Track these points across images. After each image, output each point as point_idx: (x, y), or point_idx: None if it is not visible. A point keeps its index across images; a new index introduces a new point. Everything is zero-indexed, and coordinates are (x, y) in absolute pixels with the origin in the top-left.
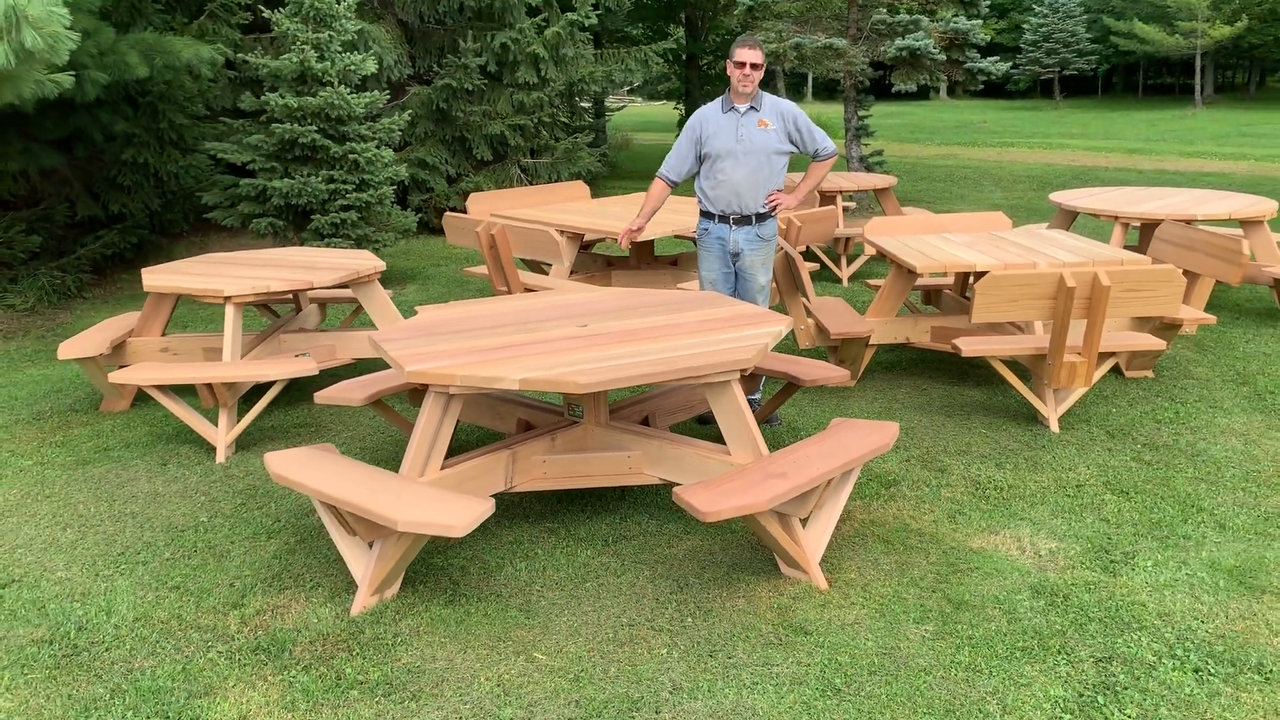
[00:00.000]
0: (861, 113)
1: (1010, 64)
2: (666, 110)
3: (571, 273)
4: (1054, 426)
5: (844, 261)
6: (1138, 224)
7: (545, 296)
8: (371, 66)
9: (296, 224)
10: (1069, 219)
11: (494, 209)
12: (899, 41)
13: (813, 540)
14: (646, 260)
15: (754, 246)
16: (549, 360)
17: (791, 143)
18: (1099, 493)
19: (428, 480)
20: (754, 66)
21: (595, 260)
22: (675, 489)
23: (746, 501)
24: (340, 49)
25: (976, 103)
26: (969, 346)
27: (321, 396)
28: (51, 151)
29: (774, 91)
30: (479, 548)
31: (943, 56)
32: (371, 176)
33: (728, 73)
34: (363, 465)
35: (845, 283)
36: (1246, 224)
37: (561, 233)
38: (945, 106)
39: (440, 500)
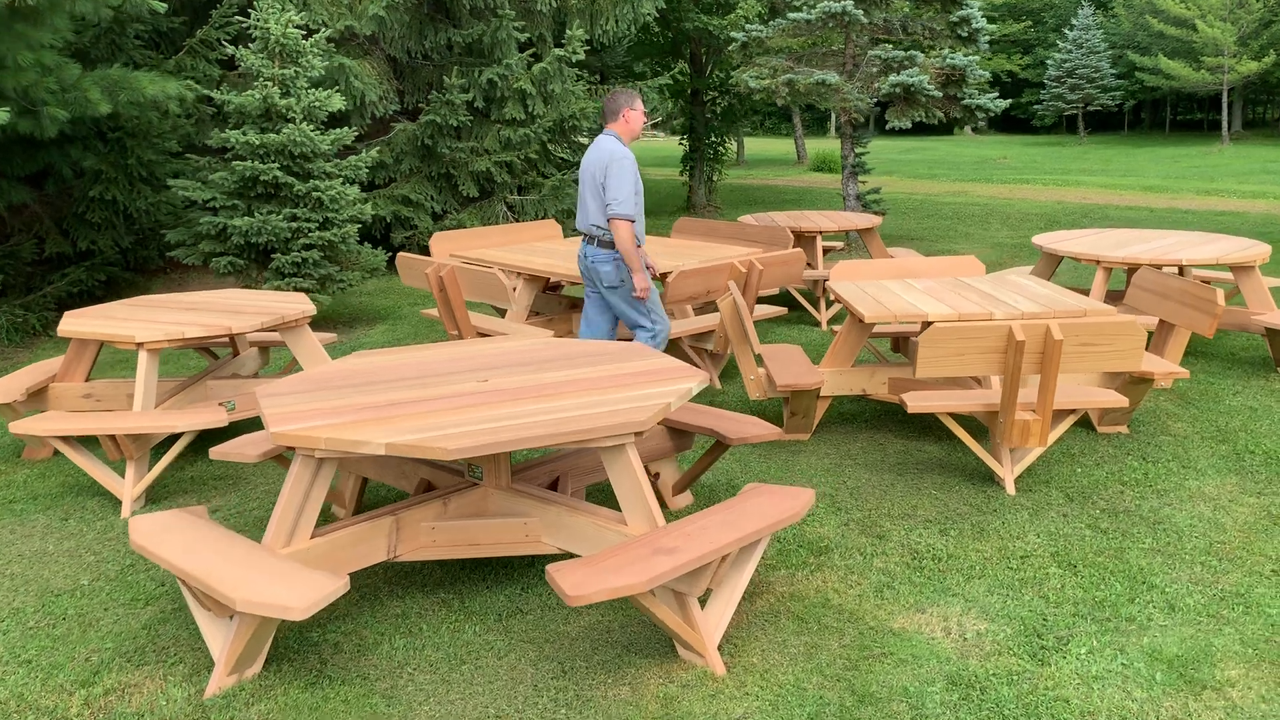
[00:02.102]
0: (858, 149)
1: (1035, 100)
2: (670, 145)
3: (536, 314)
4: (1010, 488)
5: (823, 304)
6: (1125, 268)
7: (453, 348)
8: (338, 103)
9: (259, 263)
10: (1053, 263)
11: (457, 249)
12: (892, 78)
13: (712, 620)
14: None
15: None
16: (426, 421)
17: None
18: (1044, 565)
19: (292, 551)
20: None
21: (560, 302)
22: (548, 566)
23: (623, 583)
24: (307, 85)
25: (1001, 138)
26: (916, 402)
27: (216, 452)
28: (20, 187)
29: (792, 127)
30: (361, 620)
31: (938, 92)
32: (335, 215)
33: (631, 120)
34: (227, 534)
35: (825, 326)
36: (1237, 269)
37: (519, 275)
38: (968, 142)
39: (287, 577)
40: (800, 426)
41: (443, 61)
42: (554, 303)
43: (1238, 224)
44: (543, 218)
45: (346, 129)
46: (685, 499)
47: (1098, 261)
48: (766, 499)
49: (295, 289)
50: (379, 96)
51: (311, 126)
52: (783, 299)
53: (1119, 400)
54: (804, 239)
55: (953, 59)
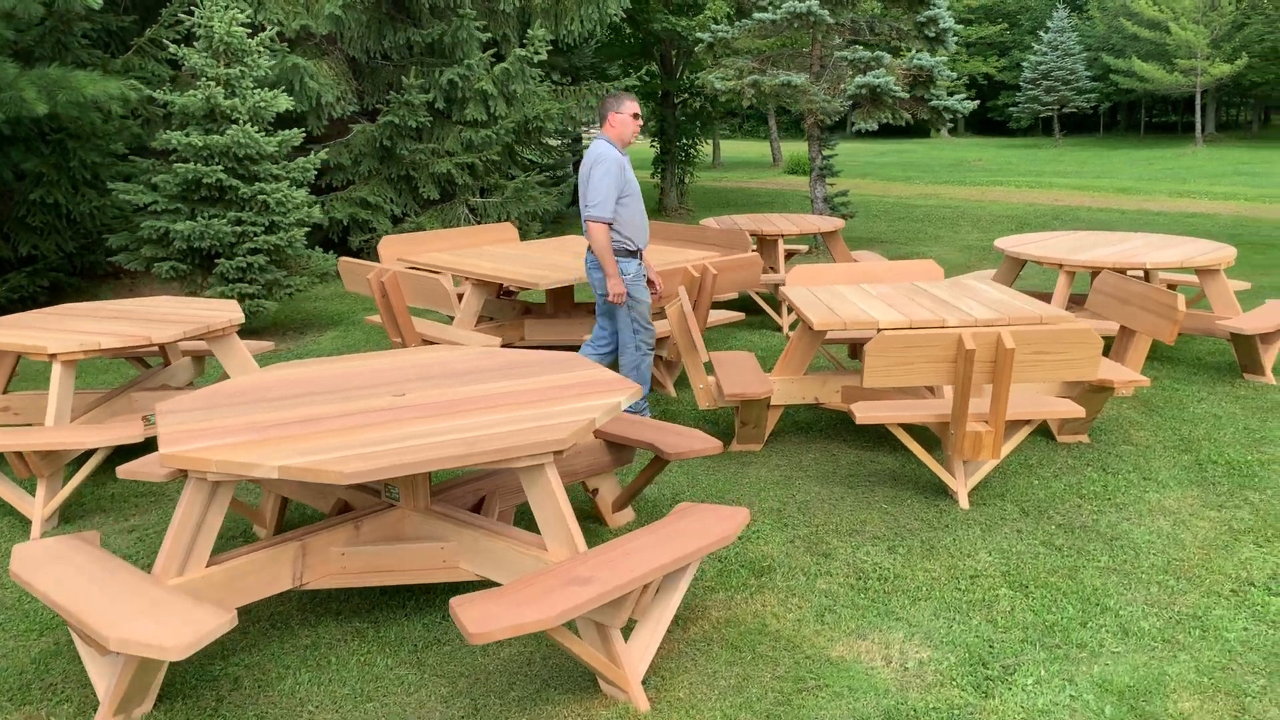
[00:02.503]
0: (826, 151)
1: (1011, 102)
2: (642, 147)
3: (491, 319)
4: (963, 502)
5: (784, 309)
6: (1090, 272)
7: (377, 359)
8: (285, 104)
9: (203, 268)
10: (1016, 267)
11: (407, 252)
12: (858, 79)
13: (635, 653)
14: (565, 308)
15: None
16: (328, 441)
17: None
18: (994, 586)
19: (184, 582)
20: (640, 117)
21: (514, 307)
22: (451, 600)
23: (531, 618)
24: (253, 85)
25: (977, 140)
26: (865, 413)
27: (124, 471)
28: None
29: (766, 130)
30: (267, 651)
31: (905, 94)
32: (282, 218)
33: (618, 123)
34: (115, 563)
35: (786, 331)
36: (1202, 273)
37: (467, 280)
38: (944, 145)
39: (167, 613)
40: (752, 437)
41: (403, 61)
42: (507, 308)
43: (1208, 226)
44: (506, 220)
45: (294, 131)
46: (626, 515)
47: (1060, 265)
48: (698, 520)
49: (241, 295)
50: (336, 97)
51: (257, 128)
52: (744, 304)
53: (1075, 410)
54: (766, 242)
55: (920, 60)
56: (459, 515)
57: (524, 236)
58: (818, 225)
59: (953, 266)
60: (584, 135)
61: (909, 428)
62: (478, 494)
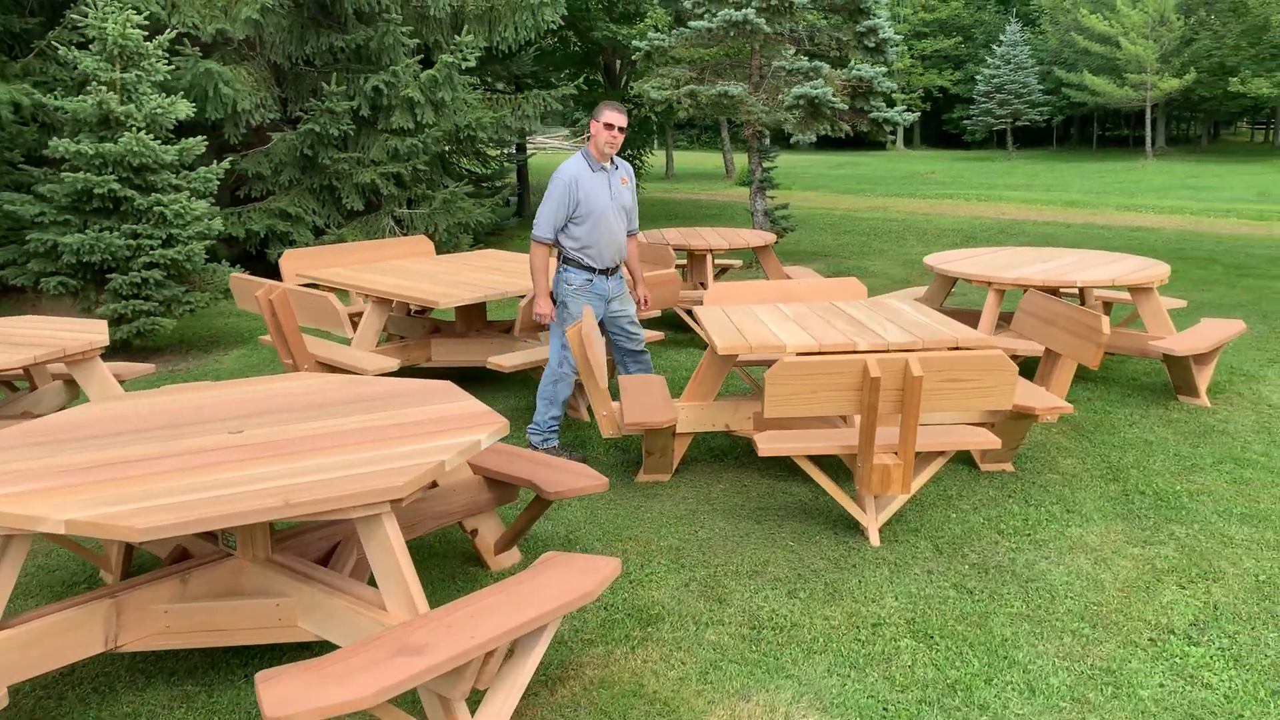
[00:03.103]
0: (766, 164)
1: (965, 115)
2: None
3: (402, 338)
4: (874, 539)
5: None
6: (1024, 290)
7: (218, 390)
8: (185, 110)
9: (96, 283)
10: (947, 284)
11: (309, 267)
12: (795, 89)
13: None
14: (476, 326)
15: (622, 288)
16: (131, 489)
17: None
18: (897, 635)
19: None
20: (621, 130)
21: (425, 325)
22: (256, 676)
23: (345, 697)
24: (150, 90)
25: (932, 153)
26: (767, 444)
27: None
28: None
29: (721, 141)
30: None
31: (844, 105)
32: (180, 231)
33: (594, 133)
34: None
35: None
36: (1135, 291)
37: (367, 298)
38: (899, 157)
39: None
40: (659, 466)
41: (328, 68)
42: (418, 327)
43: (1152, 240)
44: (434, 232)
45: (196, 139)
46: (511, 557)
47: (989, 283)
48: (559, 574)
49: (135, 312)
50: (255, 104)
51: (152, 136)
52: (670, 321)
53: (990, 441)
54: (695, 258)
55: (859, 70)
56: (301, 567)
57: (455, 249)
58: (749, 240)
59: (894, 281)
60: (528, 146)
61: (820, 458)
62: (330, 540)
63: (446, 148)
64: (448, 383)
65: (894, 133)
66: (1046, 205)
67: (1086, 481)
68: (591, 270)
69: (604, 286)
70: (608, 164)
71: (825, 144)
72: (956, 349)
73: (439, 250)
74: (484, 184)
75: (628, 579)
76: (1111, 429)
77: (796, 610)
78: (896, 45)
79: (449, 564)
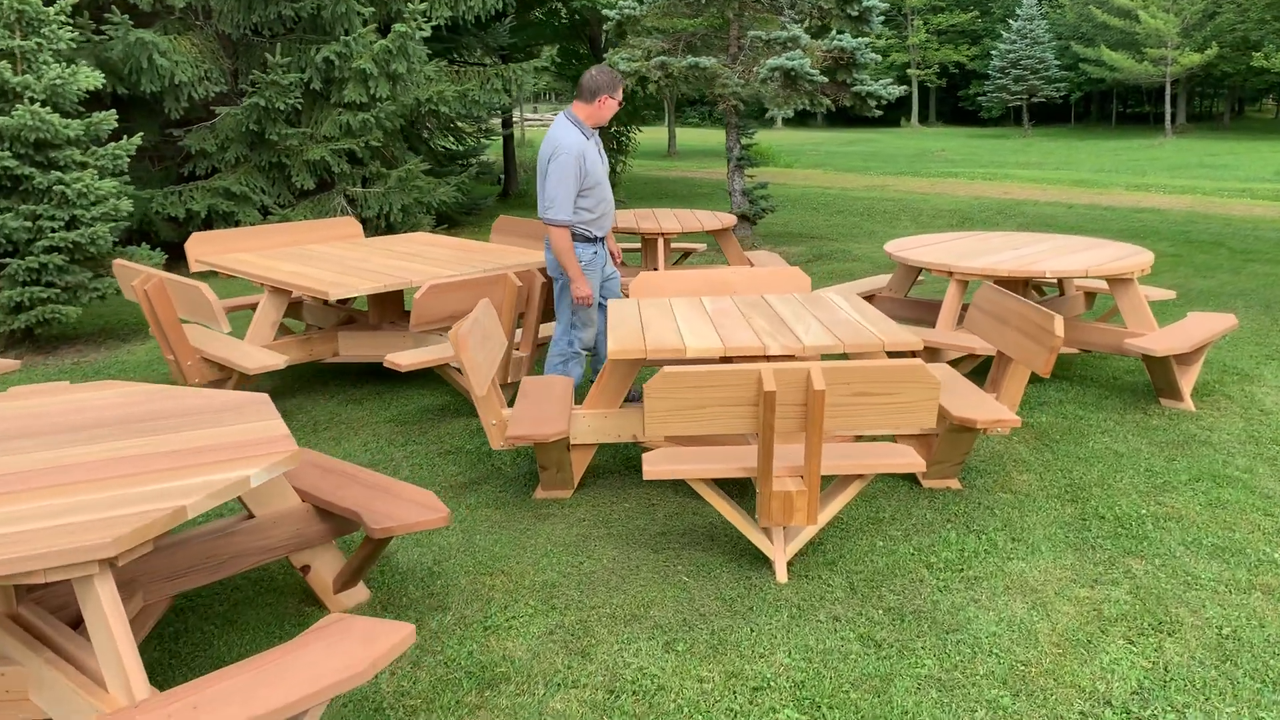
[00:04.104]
0: (744, 140)
1: (980, 92)
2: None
3: (319, 328)
4: (780, 574)
5: None
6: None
7: None
8: (93, 81)
9: None
10: (912, 274)
11: (215, 253)
12: (769, 61)
13: None
14: (391, 317)
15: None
16: None
17: None
18: (778, 705)
19: None
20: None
21: (336, 315)
22: None
23: None
24: (50, 59)
25: (947, 130)
26: (654, 465)
27: None
28: None
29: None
30: None
31: (823, 78)
32: (84, 212)
33: (601, 106)
34: None
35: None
36: (1113, 281)
37: (263, 286)
38: (913, 134)
39: None
40: (558, 482)
41: (278, 38)
42: (331, 317)
43: (1157, 222)
44: (388, 212)
45: (105, 113)
46: (358, 595)
47: (949, 273)
48: (330, 645)
49: (35, 299)
50: (197, 77)
51: (49, 109)
52: None
53: (915, 464)
54: (647, 241)
55: (841, 41)
56: (43, 627)
57: (414, 230)
58: (704, 223)
59: (878, 266)
60: (528, 121)
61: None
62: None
63: (403, 123)
64: (263, 396)
65: (892, 106)
66: (1053, 184)
67: (1041, 503)
68: (594, 240)
69: (604, 256)
70: (591, 133)
71: (837, 120)
72: (916, 354)
73: (397, 231)
74: (458, 161)
75: (483, 625)
76: (1080, 437)
77: (669, 668)
78: (881, 14)
79: (283, 602)
